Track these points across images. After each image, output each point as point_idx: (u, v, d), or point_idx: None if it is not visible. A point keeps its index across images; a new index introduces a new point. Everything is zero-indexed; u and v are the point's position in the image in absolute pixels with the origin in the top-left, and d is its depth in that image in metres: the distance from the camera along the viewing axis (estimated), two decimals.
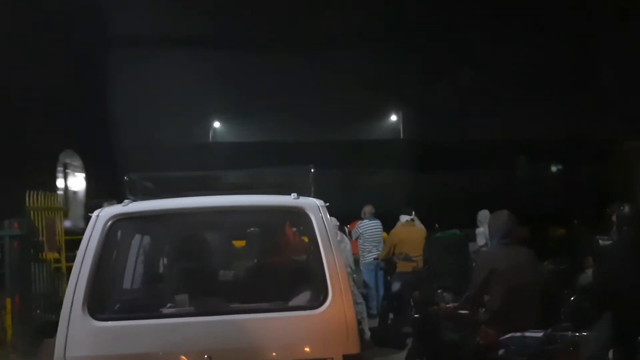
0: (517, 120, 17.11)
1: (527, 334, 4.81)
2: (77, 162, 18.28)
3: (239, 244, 5.78)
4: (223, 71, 17.94)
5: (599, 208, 7.37)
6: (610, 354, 5.61)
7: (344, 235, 9.35)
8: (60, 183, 17.20)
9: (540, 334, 4.77)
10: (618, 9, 14.70)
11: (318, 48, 17.61)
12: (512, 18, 15.66)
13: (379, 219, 10.95)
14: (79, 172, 18.39)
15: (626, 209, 5.77)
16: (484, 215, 9.04)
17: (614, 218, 6.17)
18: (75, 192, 18.13)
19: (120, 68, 16.00)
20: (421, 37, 16.44)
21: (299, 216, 4.14)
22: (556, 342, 4.70)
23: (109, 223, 4.00)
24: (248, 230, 5.60)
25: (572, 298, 6.10)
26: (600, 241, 6.55)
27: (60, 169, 17.47)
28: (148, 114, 17.61)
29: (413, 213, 9.59)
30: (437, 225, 8.54)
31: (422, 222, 9.67)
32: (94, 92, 15.42)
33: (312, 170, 4.43)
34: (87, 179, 18.29)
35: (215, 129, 26.07)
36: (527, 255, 5.17)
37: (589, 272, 7.00)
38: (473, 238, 9.21)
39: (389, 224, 10.47)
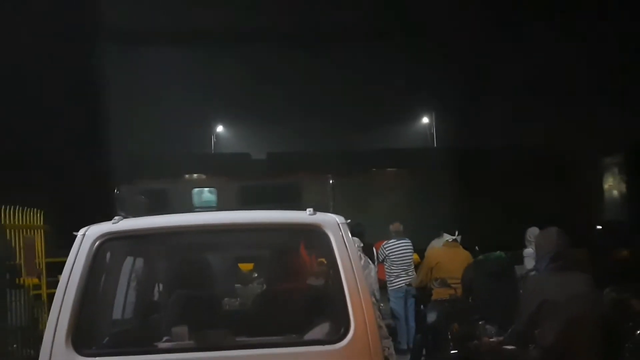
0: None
1: None
2: None
3: (246, 267, 5.77)
4: (229, 70, 17.97)
5: None
6: None
7: (368, 259, 9.17)
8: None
9: None
10: None
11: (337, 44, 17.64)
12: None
13: (409, 238, 10.96)
14: None
15: None
16: (533, 233, 9.01)
17: None
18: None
19: (112, 68, 16.11)
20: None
21: (315, 235, 4.12)
22: None
23: (97, 243, 3.99)
24: (256, 252, 5.55)
25: (638, 332, 6.01)
26: None
27: None
28: (142, 120, 17.68)
29: (457, 233, 9.51)
30: (477, 247, 8.50)
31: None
32: (80, 96, 15.51)
33: (332, 181, 4.46)
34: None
35: (218, 135, 26.22)
36: (583, 282, 5.15)
37: None
38: (520, 261, 9.12)
39: (419, 243, 10.38)
